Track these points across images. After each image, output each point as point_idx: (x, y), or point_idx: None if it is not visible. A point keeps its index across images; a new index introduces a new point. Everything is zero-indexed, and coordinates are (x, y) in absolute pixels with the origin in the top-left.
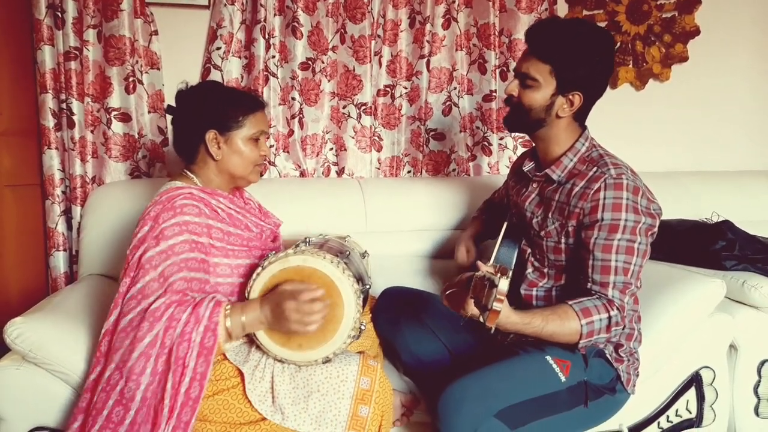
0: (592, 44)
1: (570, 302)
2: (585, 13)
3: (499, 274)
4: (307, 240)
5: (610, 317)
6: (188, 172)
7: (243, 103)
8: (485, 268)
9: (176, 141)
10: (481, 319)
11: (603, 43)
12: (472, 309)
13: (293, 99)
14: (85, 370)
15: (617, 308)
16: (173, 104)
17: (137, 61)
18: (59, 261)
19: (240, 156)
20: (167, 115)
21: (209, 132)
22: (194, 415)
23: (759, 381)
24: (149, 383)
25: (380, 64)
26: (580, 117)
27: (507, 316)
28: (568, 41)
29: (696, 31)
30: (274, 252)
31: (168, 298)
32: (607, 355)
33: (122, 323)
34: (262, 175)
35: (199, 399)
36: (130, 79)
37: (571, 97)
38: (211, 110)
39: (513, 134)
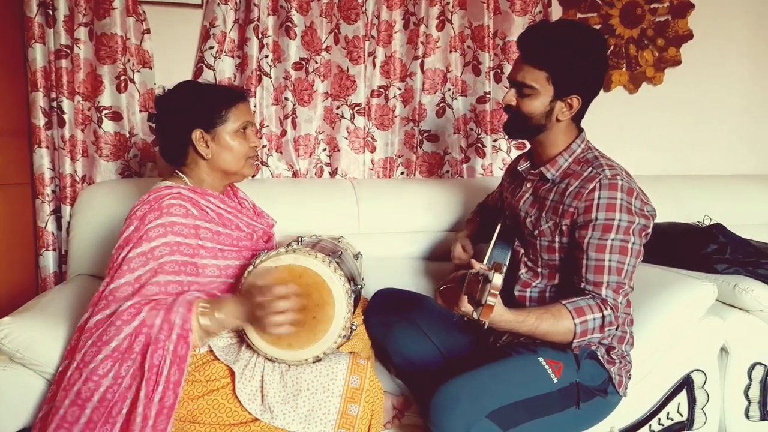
0: (585, 46)
1: (564, 301)
2: (579, 16)
3: (493, 270)
4: (300, 239)
5: (603, 317)
6: (179, 173)
7: (224, 96)
8: (478, 265)
9: (163, 147)
10: (475, 315)
11: (595, 44)
12: (465, 305)
13: (286, 99)
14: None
15: (611, 308)
16: (154, 112)
17: (129, 60)
18: (49, 261)
19: (230, 151)
20: (150, 123)
21: (195, 132)
22: (170, 423)
23: (749, 384)
24: (110, 385)
25: (374, 65)
26: (577, 118)
27: (501, 314)
28: (561, 46)
29: (689, 35)
30: (266, 251)
31: (137, 302)
32: (599, 357)
33: (90, 323)
34: (254, 173)
35: (174, 407)
36: (122, 77)
37: (569, 100)
38: (193, 110)
39: (513, 139)
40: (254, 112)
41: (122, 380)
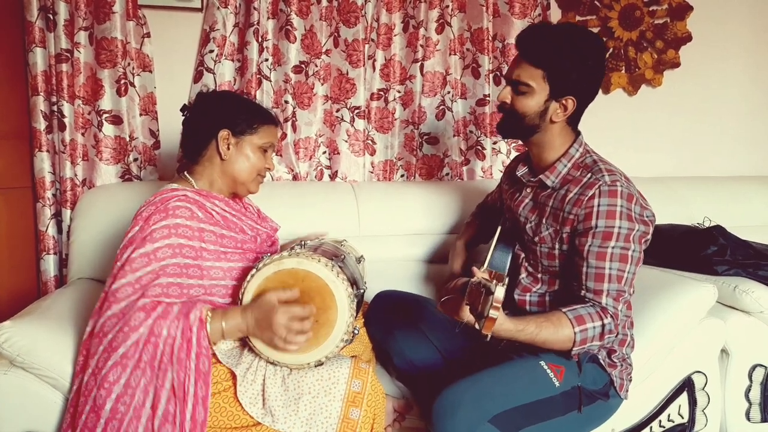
0: (584, 48)
1: (564, 309)
2: (578, 18)
3: (495, 281)
4: (303, 243)
5: (603, 325)
6: (187, 175)
7: (260, 112)
8: (480, 274)
9: (185, 138)
10: (477, 327)
11: (595, 47)
12: (467, 315)
13: (286, 102)
14: (73, 374)
15: (611, 316)
16: (188, 105)
17: (129, 64)
18: (50, 264)
19: (247, 161)
20: (181, 113)
21: (223, 130)
22: None
23: (750, 386)
24: (121, 394)
25: (374, 68)
26: (573, 121)
27: (501, 323)
28: (560, 45)
29: (688, 38)
30: (269, 255)
31: (143, 305)
32: (600, 361)
33: (96, 326)
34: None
35: (205, 421)
36: (122, 81)
37: (564, 101)
38: (229, 111)
39: (507, 139)
40: None
41: (133, 392)
